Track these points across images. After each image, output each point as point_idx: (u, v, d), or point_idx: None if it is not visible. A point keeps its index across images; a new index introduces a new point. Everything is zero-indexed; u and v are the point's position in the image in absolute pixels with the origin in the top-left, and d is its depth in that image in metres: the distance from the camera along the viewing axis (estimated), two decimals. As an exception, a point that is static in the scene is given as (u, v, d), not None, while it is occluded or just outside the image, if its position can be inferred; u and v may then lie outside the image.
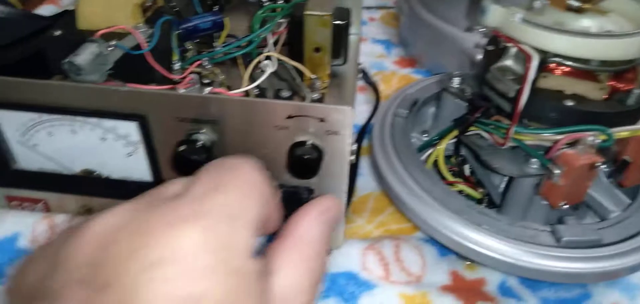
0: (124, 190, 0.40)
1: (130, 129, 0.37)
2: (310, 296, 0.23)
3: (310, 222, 0.26)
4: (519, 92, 0.32)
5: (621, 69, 0.34)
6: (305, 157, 0.33)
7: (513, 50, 0.35)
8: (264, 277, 0.21)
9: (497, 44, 0.37)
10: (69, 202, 0.41)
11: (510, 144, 0.35)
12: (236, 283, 0.19)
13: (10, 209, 0.42)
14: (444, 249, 0.40)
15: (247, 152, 0.36)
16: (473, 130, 0.39)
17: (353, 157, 0.43)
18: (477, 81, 0.39)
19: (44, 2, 0.67)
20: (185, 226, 0.19)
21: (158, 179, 0.39)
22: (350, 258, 0.39)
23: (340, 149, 0.34)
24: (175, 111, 0.34)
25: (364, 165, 0.48)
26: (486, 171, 0.42)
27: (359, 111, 0.53)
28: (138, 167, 0.39)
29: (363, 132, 0.51)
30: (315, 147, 0.34)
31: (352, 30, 0.51)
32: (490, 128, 0.37)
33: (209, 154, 0.34)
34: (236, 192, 0.22)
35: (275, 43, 0.49)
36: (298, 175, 0.35)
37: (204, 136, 0.34)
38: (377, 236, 0.41)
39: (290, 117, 0.33)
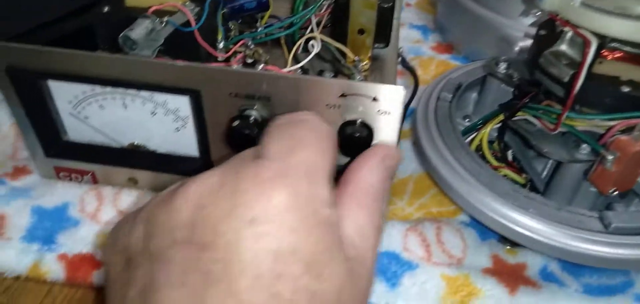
0: (169, 164, 0.41)
1: (181, 103, 0.37)
2: (375, 240, 0.24)
3: (370, 168, 0.27)
4: (574, 77, 0.32)
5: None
6: (356, 135, 0.34)
7: (569, 34, 0.35)
8: (337, 224, 0.22)
9: (551, 29, 0.37)
10: (116, 174, 0.42)
11: (560, 129, 0.35)
12: (322, 233, 0.20)
13: (59, 181, 0.43)
14: (485, 233, 0.40)
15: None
16: (520, 115, 0.39)
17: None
18: (527, 66, 0.39)
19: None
20: (273, 186, 0.20)
21: (205, 155, 0.39)
22: (392, 238, 0.39)
23: (391, 128, 0.34)
24: (229, 87, 0.34)
25: (404, 148, 0.49)
26: (530, 157, 0.42)
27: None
28: (185, 142, 0.40)
29: (403, 116, 0.51)
30: (365, 126, 0.34)
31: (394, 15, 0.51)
32: (540, 113, 0.37)
33: (261, 129, 0.35)
34: (311, 148, 0.23)
35: (318, 24, 0.50)
36: (348, 153, 0.35)
37: (255, 112, 0.35)
38: (417, 218, 0.42)
39: (343, 95, 0.34)
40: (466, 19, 0.61)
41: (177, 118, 0.38)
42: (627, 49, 0.33)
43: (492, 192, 0.36)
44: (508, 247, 0.39)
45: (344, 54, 0.48)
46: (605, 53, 0.34)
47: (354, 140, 0.34)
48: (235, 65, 0.39)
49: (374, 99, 0.33)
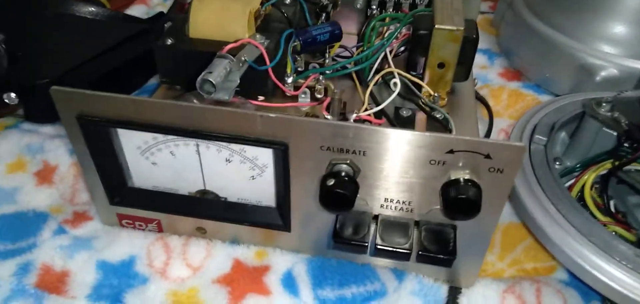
0: (241, 213, 0.38)
1: (260, 152, 0.34)
2: None
3: None
4: None
5: None
6: (463, 197, 0.30)
7: None
8: None
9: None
10: (183, 223, 0.39)
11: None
12: None
13: (122, 228, 0.40)
14: (588, 293, 0.36)
15: (392, 184, 0.33)
16: (632, 166, 0.35)
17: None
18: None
19: (133, 2, 0.65)
20: None
21: (283, 205, 0.36)
22: (488, 300, 0.36)
23: (502, 189, 0.31)
24: (321, 140, 0.31)
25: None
26: (635, 208, 0.38)
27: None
28: (261, 191, 0.37)
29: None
30: (474, 184, 0.30)
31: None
32: (662, 168, 0.33)
33: (357, 186, 0.31)
34: None
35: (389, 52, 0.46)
36: (455, 216, 0.32)
37: (347, 167, 0.32)
38: (511, 275, 0.38)
39: (451, 152, 0.30)
40: (535, 43, 0.57)
41: (255, 166, 0.35)
42: None
43: (608, 254, 0.32)
44: (616, 311, 0.35)
45: (420, 88, 0.44)
46: None
47: (461, 202, 0.30)
48: (327, 115, 0.36)
49: (487, 157, 0.30)
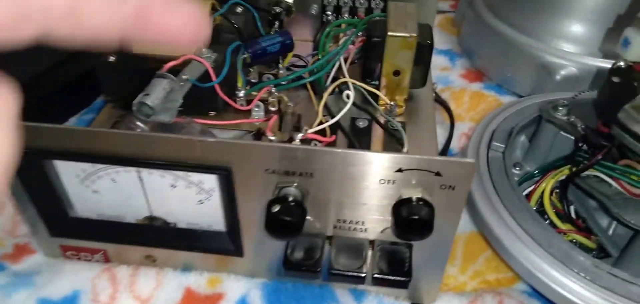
0: (191, 240, 0.36)
1: (205, 176, 0.33)
2: None
3: None
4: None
5: None
6: (415, 217, 0.29)
7: (656, 88, 0.30)
8: None
9: (627, 77, 0.32)
10: (131, 252, 0.37)
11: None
12: None
13: (66, 260, 0.38)
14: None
15: (344, 205, 0.32)
16: (590, 172, 0.34)
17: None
18: (601, 116, 0.34)
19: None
20: None
21: (234, 230, 0.34)
22: (449, 316, 0.35)
23: (455, 205, 0.30)
24: (265, 163, 0.29)
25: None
26: (595, 212, 0.37)
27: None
28: (210, 216, 0.35)
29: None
30: (425, 204, 0.29)
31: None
32: (617, 173, 0.32)
33: (304, 212, 0.30)
34: None
35: (345, 60, 0.45)
36: (407, 237, 0.31)
37: (295, 190, 0.30)
38: (473, 289, 0.37)
39: (400, 170, 0.29)
40: (496, 43, 0.56)
41: (201, 190, 0.34)
42: None
43: (567, 267, 0.31)
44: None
45: (377, 98, 0.43)
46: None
47: (412, 223, 0.29)
48: (271, 135, 0.35)
49: (437, 174, 0.29)
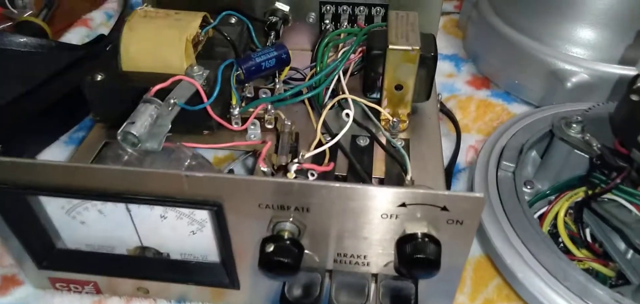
0: (185, 272, 0.34)
1: (201, 216, 0.31)
2: None
3: None
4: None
5: None
6: (420, 256, 0.27)
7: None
8: None
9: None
10: (122, 284, 0.36)
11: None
12: None
13: (56, 292, 0.36)
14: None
15: (344, 238, 0.30)
16: (607, 195, 0.32)
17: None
18: (617, 133, 0.32)
19: (73, 25, 0.60)
20: None
21: (229, 262, 0.33)
22: (457, 349, 0.33)
23: (464, 241, 0.28)
24: (257, 197, 0.27)
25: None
26: (612, 234, 0.35)
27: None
28: (204, 246, 0.33)
29: (450, 175, 0.44)
30: (432, 240, 0.27)
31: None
32: (638, 199, 0.30)
33: (301, 250, 0.28)
34: None
35: (345, 72, 0.43)
36: (412, 275, 0.29)
37: (290, 225, 0.28)
38: (483, 318, 0.35)
39: (403, 205, 0.27)
40: (503, 48, 0.54)
41: (192, 221, 0.32)
42: None
43: (582, 300, 0.29)
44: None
45: (378, 114, 0.41)
46: None
47: (417, 262, 0.27)
48: (264, 166, 0.33)
49: (444, 209, 0.27)
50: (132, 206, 0.31)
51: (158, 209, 0.31)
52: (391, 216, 0.27)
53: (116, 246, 0.34)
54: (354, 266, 0.31)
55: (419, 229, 0.27)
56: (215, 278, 0.34)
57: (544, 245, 0.32)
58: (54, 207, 0.32)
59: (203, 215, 0.31)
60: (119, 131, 0.31)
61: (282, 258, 0.27)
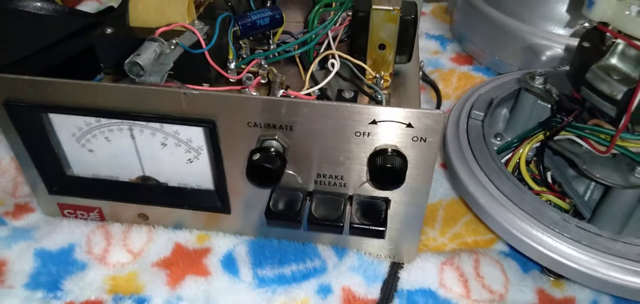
0: (182, 198, 0.38)
1: (194, 134, 0.34)
2: None
3: None
4: (632, 95, 0.29)
5: None
6: (388, 166, 0.30)
7: (620, 47, 0.32)
8: None
9: (596, 40, 0.34)
10: (125, 210, 0.39)
11: (612, 151, 0.32)
12: None
13: (64, 218, 0.40)
14: (527, 263, 0.37)
15: (321, 160, 0.33)
16: (562, 135, 0.35)
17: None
18: (570, 81, 0.36)
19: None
20: None
21: (221, 187, 0.36)
22: (426, 273, 0.36)
23: (427, 157, 0.31)
24: (248, 115, 0.31)
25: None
26: (570, 178, 0.38)
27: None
28: (199, 174, 0.37)
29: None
30: (399, 154, 0.31)
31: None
32: (587, 133, 0.33)
33: (284, 162, 0.32)
34: None
35: (334, 38, 0.46)
36: (380, 186, 0.32)
37: (276, 142, 0.32)
38: (452, 249, 0.38)
39: (374, 122, 0.30)
40: (486, 28, 0.58)
41: (190, 149, 0.35)
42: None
43: (537, 221, 0.33)
44: (553, 278, 0.36)
45: (363, 70, 0.45)
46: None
47: (387, 171, 0.30)
48: (254, 92, 0.36)
49: (409, 126, 0.30)
50: (136, 133, 0.35)
51: (159, 136, 0.35)
52: (364, 134, 0.31)
53: (120, 175, 0.38)
54: (332, 187, 0.34)
55: (389, 146, 0.31)
56: (209, 202, 0.37)
57: (505, 178, 0.35)
58: (66, 135, 0.36)
59: (199, 141, 0.35)
60: (126, 61, 0.34)
61: (267, 164, 0.30)
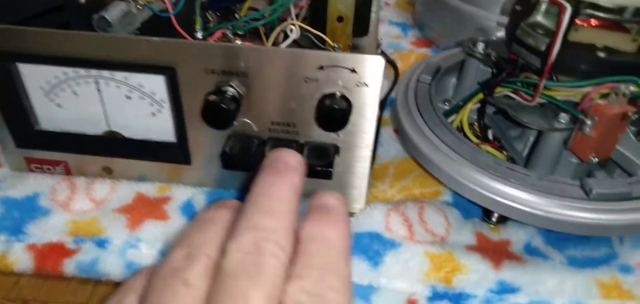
0: (145, 150, 0.40)
1: (157, 85, 0.37)
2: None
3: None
4: (550, 45, 0.32)
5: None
6: (335, 107, 0.33)
7: (544, 5, 0.35)
8: None
9: (527, 3, 0.37)
10: (90, 164, 0.41)
11: (539, 100, 0.35)
12: None
13: (30, 173, 0.41)
14: (468, 211, 0.40)
15: (275, 107, 0.36)
16: (500, 92, 0.39)
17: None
18: (506, 43, 0.39)
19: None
20: None
21: (182, 140, 0.38)
22: (373, 218, 0.38)
23: (370, 101, 0.34)
24: (205, 62, 0.34)
25: (384, 135, 0.48)
26: (511, 137, 0.42)
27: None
28: (162, 128, 0.39)
29: (383, 105, 0.51)
30: (344, 98, 0.34)
31: (372, 8, 0.52)
32: (518, 85, 0.37)
33: (238, 105, 0.34)
34: None
35: (297, 16, 0.49)
36: (327, 127, 0.35)
37: (232, 88, 0.34)
38: (399, 200, 0.41)
39: (321, 68, 0.33)
40: (445, 14, 0.62)
41: (153, 102, 0.38)
42: (601, 15, 0.33)
43: (474, 164, 0.36)
44: (492, 225, 0.39)
45: (323, 43, 0.48)
46: (582, 20, 0.34)
47: (332, 112, 0.33)
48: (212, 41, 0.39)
49: (353, 71, 0.33)
50: (102, 86, 0.37)
51: (124, 89, 0.37)
52: (313, 80, 0.34)
53: (87, 130, 0.40)
54: (286, 135, 0.37)
55: (335, 90, 0.34)
56: (171, 154, 0.39)
57: (447, 131, 0.38)
58: (35, 88, 0.38)
59: (162, 94, 0.37)
60: (94, 16, 0.37)
61: (222, 104, 0.33)
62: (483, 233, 0.38)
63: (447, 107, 0.46)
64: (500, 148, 0.41)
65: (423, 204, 0.40)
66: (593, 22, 0.34)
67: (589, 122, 0.32)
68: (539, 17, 0.36)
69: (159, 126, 0.39)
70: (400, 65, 0.58)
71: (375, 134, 0.47)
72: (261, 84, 0.34)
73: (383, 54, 0.57)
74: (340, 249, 0.21)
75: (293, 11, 0.48)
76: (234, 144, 0.37)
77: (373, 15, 0.53)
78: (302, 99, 0.35)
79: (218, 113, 0.33)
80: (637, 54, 0.34)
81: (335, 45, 0.47)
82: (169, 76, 0.35)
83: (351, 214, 0.39)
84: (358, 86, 0.33)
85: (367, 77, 0.33)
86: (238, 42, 0.38)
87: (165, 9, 0.41)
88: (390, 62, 0.57)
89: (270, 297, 0.18)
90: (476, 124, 0.43)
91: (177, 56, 0.34)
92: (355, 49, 0.49)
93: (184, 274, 0.18)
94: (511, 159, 0.40)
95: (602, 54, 0.33)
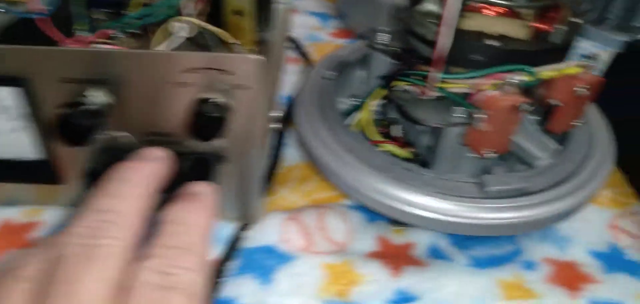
0: (8, 171, 0.35)
1: (11, 99, 0.32)
2: None
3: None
4: (437, 34, 0.30)
5: (545, 5, 0.32)
6: (206, 114, 0.30)
7: (433, -9, 0.33)
8: None
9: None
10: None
11: (434, 93, 0.33)
12: None
13: None
14: (373, 214, 0.38)
15: (148, 116, 0.32)
16: (398, 86, 0.36)
17: (277, 125, 0.40)
18: (400, 33, 0.37)
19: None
20: None
21: (48, 157, 0.34)
22: (269, 231, 0.36)
23: (252, 105, 0.31)
24: (59, 70, 0.30)
25: (292, 137, 0.45)
26: (417, 130, 0.40)
27: (291, 81, 0.50)
28: (24, 145, 0.34)
29: (294, 104, 0.48)
30: (218, 105, 0.30)
31: (282, -1, 0.49)
32: (413, 79, 0.34)
33: (99, 117, 0.30)
34: None
35: (200, 13, 0.46)
36: (200, 137, 0.31)
37: (95, 99, 0.30)
38: (300, 207, 0.38)
39: (193, 70, 0.30)
40: (366, 2, 0.59)
41: (10, 118, 0.33)
42: (492, 1, 0.31)
43: (368, 167, 0.33)
44: (396, 228, 0.37)
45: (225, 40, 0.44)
46: (473, 6, 0.32)
47: (204, 120, 0.30)
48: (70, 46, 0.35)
49: (229, 73, 0.30)
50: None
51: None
52: (186, 85, 0.30)
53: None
54: (169, 146, 0.33)
55: (210, 96, 0.30)
56: (38, 174, 0.35)
57: (341, 130, 0.36)
58: None
59: (19, 109, 0.32)
60: None
61: (73, 118, 0.29)
62: (386, 237, 0.36)
63: (353, 101, 0.43)
64: (407, 144, 0.38)
65: (325, 209, 0.37)
66: (483, 8, 0.32)
67: (479, 116, 0.30)
68: (430, 5, 0.33)
69: (21, 143, 0.35)
70: (317, 58, 0.55)
71: (279, 137, 0.44)
72: (131, 91, 0.31)
73: (297, 47, 0.55)
74: (199, 231, 0.22)
75: (191, 7, 0.44)
76: (99, 159, 0.33)
77: (281, 6, 0.50)
78: (177, 106, 0.31)
79: (70, 128, 0.29)
80: (531, 41, 0.32)
81: (236, 41, 0.44)
82: (23, 87, 0.31)
83: (247, 227, 0.36)
84: (238, 88, 0.30)
85: (246, 80, 0.30)
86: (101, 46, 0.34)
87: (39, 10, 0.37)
88: (303, 56, 0.54)
89: (105, 279, 0.18)
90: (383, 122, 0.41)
91: (28, 65, 0.30)
92: (261, 44, 0.46)
93: (19, 270, 0.19)
94: (419, 156, 0.38)
95: (494, 42, 0.31)
